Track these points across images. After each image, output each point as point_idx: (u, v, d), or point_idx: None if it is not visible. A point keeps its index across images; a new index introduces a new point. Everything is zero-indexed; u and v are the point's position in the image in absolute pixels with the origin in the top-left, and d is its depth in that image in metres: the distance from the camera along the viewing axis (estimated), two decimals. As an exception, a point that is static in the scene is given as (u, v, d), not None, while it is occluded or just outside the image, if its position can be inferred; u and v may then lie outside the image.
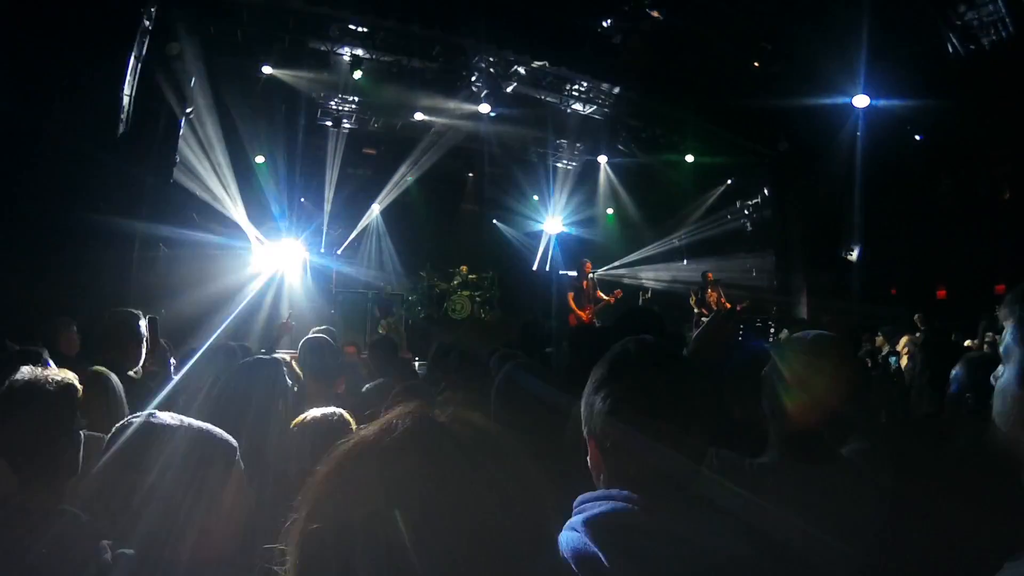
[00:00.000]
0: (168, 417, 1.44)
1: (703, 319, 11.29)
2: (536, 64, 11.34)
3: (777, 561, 1.33)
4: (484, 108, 12.22)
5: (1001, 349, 1.02)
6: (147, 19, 7.19)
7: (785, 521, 1.64)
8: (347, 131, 14.14)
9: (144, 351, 3.83)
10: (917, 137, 12.68)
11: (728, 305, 11.82)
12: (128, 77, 7.11)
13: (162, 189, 8.48)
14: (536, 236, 17.83)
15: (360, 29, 10.33)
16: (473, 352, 4.66)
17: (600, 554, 1.26)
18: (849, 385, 1.73)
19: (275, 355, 4.66)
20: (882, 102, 12.22)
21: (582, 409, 1.48)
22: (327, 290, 14.39)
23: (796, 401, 1.73)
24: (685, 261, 16.59)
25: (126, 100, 7.08)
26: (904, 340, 6.91)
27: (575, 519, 1.35)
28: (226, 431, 2.26)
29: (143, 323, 3.80)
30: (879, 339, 8.21)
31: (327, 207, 14.94)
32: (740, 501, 1.66)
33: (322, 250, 15.07)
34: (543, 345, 5.37)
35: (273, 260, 13.94)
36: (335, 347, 4.15)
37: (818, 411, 1.71)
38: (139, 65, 7.22)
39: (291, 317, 5.74)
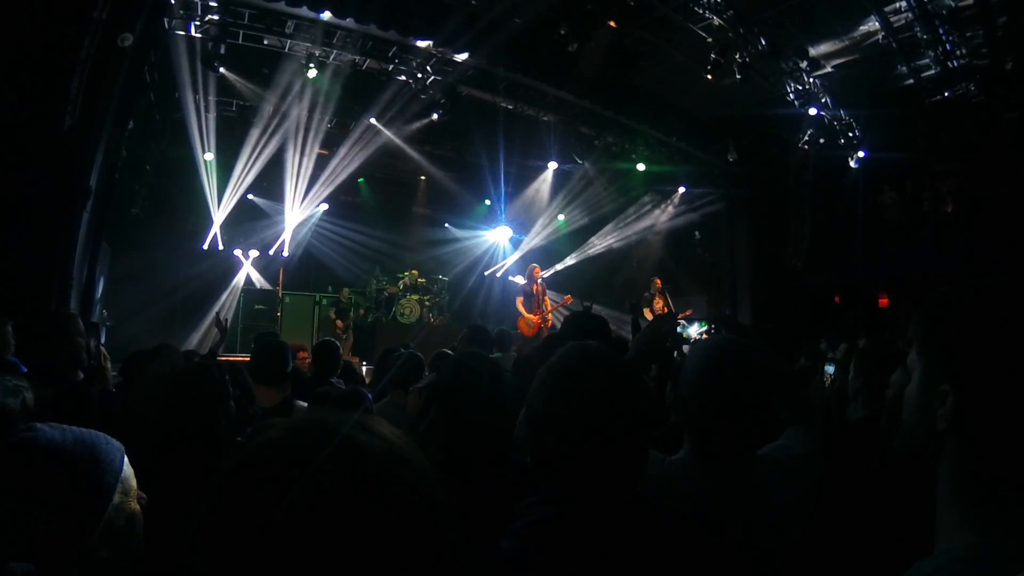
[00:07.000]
0: (48, 428, 1.40)
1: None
2: (490, 69, 11.38)
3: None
4: (438, 111, 12.17)
5: (908, 362, 1.07)
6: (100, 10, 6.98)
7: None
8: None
9: (84, 354, 3.73)
10: (861, 153, 13.07)
11: (667, 311, 11.91)
12: (78, 67, 6.89)
13: (110, 184, 8.21)
14: (487, 241, 17.94)
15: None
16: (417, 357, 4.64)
17: (529, 562, 1.29)
18: (755, 386, 1.79)
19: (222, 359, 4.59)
20: (830, 115, 12.60)
21: (525, 414, 1.49)
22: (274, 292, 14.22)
23: (700, 400, 1.79)
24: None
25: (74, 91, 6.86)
26: (843, 348, 7.14)
27: (513, 525, 1.36)
28: (171, 438, 2.24)
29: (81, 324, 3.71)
30: (822, 346, 8.43)
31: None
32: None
33: (271, 252, 14.87)
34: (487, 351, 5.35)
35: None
36: (286, 349, 4.08)
37: (723, 410, 1.76)
38: (90, 55, 6.99)
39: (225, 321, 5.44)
